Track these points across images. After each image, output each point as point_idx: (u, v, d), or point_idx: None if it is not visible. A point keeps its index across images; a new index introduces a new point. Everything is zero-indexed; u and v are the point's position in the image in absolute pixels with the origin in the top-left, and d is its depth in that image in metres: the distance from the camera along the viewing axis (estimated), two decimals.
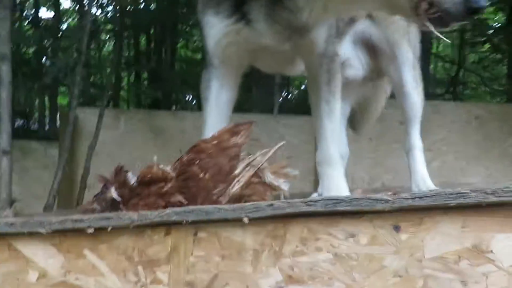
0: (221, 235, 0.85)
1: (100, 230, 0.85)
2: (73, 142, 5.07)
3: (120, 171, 1.03)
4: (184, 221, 0.83)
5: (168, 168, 1.03)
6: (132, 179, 1.04)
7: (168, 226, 0.85)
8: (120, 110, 5.79)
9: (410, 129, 1.83)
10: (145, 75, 7.04)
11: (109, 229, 0.84)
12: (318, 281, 0.82)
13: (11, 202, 1.67)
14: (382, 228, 0.82)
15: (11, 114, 1.70)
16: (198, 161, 1.02)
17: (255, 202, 0.83)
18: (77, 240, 0.87)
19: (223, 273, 0.84)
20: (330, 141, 1.41)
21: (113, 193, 0.98)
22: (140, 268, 0.85)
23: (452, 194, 0.78)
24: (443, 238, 0.80)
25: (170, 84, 6.13)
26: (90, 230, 0.84)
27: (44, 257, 0.87)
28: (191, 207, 0.83)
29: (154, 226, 0.85)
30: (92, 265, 0.86)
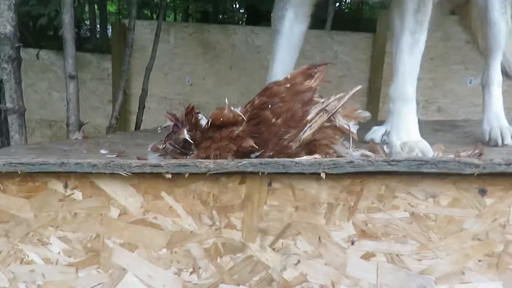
0: (295, 187, 0.84)
1: (176, 175, 0.87)
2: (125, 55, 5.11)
3: (191, 112, 1.02)
4: (260, 173, 0.82)
5: (239, 111, 1.01)
6: (202, 120, 1.03)
7: (243, 175, 0.85)
8: (170, 23, 5.70)
9: (490, 60, 1.69)
10: None
11: (186, 175, 0.85)
12: (392, 237, 0.81)
13: (80, 125, 1.74)
14: (466, 191, 0.78)
15: (75, 38, 1.69)
16: (270, 105, 0.99)
17: (333, 159, 0.80)
18: (155, 183, 0.89)
19: (296, 223, 0.85)
20: (409, 77, 1.28)
21: (186, 135, 0.98)
22: (214, 212, 0.88)
23: None
24: None
25: None
26: (168, 176, 0.86)
27: (124, 196, 0.91)
28: (267, 160, 0.82)
29: (229, 174, 0.86)
30: (169, 207, 0.89)
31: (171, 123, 1.04)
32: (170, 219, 0.89)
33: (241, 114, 1.00)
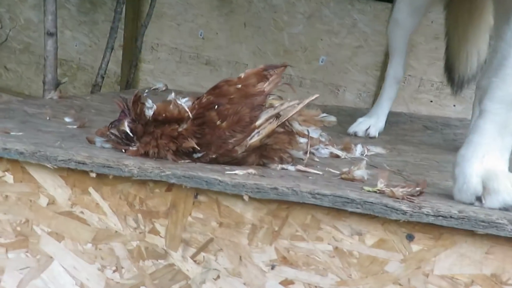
0: (221, 202, 0.81)
1: (103, 175, 0.84)
2: (139, 1, 4.98)
3: (137, 101, 0.98)
4: (183, 186, 0.79)
5: (186, 107, 0.96)
6: (150, 110, 0.99)
7: (169, 183, 0.82)
8: None
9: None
10: None
11: (110, 177, 0.82)
12: (312, 268, 0.78)
13: (57, 85, 1.71)
14: (394, 233, 0.73)
15: None
16: (217, 106, 0.93)
17: (257, 183, 0.76)
18: (83, 178, 0.86)
19: (219, 239, 0.82)
20: None
21: (126, 126, 0.94)
22: (140, 216, 0.85)
23: (483, 222, 0.66)
24: (460, 259, 0.71)
25: None
26: (93, 175, 0.83)
27: (53, 185, 0.88)
28: (191, 174, 0.78)
29: (157, 180, 0.82)
30: (96, 203, 0.87)
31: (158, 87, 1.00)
32: (96, 216, 0.87)
33: (187, 110, 0.95)
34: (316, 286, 0.78)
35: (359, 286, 0.76)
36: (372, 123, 1.77)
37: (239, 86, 0.95)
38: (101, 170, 0.82)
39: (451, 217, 0.68)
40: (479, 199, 0.78)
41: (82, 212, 0.88)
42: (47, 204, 0.90)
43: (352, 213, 0.74)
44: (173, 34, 4.93)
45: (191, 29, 4.86)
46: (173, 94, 0.98)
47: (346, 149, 1.33)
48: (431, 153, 1.50)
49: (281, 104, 0.97)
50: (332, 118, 1.19)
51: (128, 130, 0.94)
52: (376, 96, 4.43)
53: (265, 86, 0.96)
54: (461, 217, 0.67)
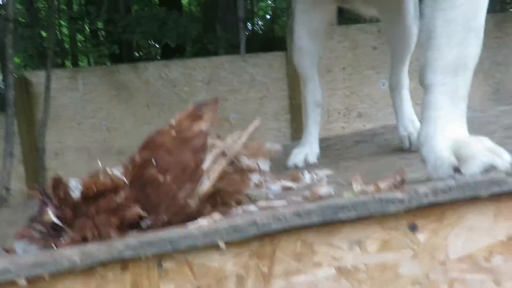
0: (193, 262, 0.67)
1: (36, 279, 0.66)
2: (31, 109, 4.71)
3: (58, 184, 0.82)
4: (143, 256, 0.64)
5: (118, 174, 0.82)
6: (76, 189, 0.83)
7: (123, 261, 0.66)
8: (76, 69, 5.39)
9: (398, 65, 1.65)
10: (100, 25, 6.51)
11: (46, 278, 0.64)
12: None
13: None
14: (395, 229, 0.65)
15: None
16: (155, 161, 0.81)
17: (231, 224, 0.64)
18: None
19: None
20: None
21: (51, 215, 0.78)
22: None
23: (483, 182, 0.61)
24: (470, 233, 0.64)
25: (126, 35, 5.68)
26: (22, 282, 0.64)
27: None
28: (149, 237, 0.64)
29: (105, 262, 0.66)
30: None
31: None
32: None
33: (121, 177, 0.81)
34: None
35: None
36: (308, 151, 1.73)
37: (173, 133, 0.84)
38: (32, 272, 0.64)
39: (450, 189, 0.61)
40: (457, 169, 0.73)
41: None
42: None
43: (344, 223, 0.65)
44: (75, 134, 4.69)
45: (93, 124, 4.67)
46: (99, 163, 0.84)
47: (295, 179, 1.26)
48: (374, 160, 1.49)
49: (224, 141, 0.88)
50: (278, 147, 1.11)
51: (54, 219, 0.78)
52: (293, 137, 4.52)
53: (202, 126, 0.86)
54: (461, 185, 0.61)
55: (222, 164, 0.84)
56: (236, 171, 0.91)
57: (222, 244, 0.63)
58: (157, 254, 0.65)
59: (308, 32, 1.69)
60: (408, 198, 0.61)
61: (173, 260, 0.67)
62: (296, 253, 0.66)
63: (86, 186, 0.80)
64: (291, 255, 0.66)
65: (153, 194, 0.80)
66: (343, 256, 0.65)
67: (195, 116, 0.87)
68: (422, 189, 0.62)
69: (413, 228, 0.64)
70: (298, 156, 1.70)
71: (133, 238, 0.65)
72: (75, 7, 6.46)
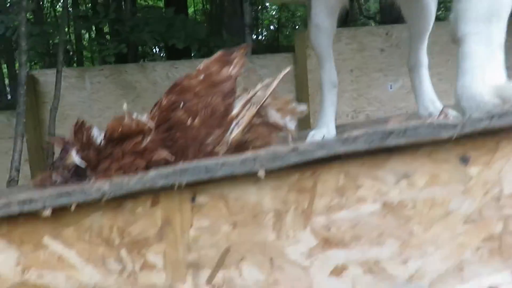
0: (228, 196, 0.62)
1: (61, 210, 0.62)
2: (38, 108, 4.70)
3: (80, 128, 0.78)
4: (177, 185, 0.60)
5: (144, 118, 0.79)
6: (98, 136, 0.80)
7: (154, 193, 0.62)
8: (83, 69, 5.38)
9: (417, 43, 1.62)
10: (106, 28, 6.54)
11: (73, 207, 0.60)
12: (364, 240, 0.61)
13: None
14: (445, 162, 0.61)
15: None
16: (182, 103, 0.78)
17: (272, 148, 0.60)
18: (32, 226, 0.63)
19: (237, 245, 0.62)
20: None
21: (75, 157, 0.74)
22: (123, 252, 0.63)
23: None
24: None
25: (134, 35, 5.69)
26: (47, 213, 0.60)
27: None
28: (183, 165, 0.60)
29: (136, 195, 0.62)
30: (58, 257, 0.63)
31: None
32: (62, 274, 0.63)
33: (146, 121, 0.78)
34: (375, 262, 0.61)
35: (426, 242, 0.61)
36: (325, 132, 1.69)
37: (202, 77, 0.81)
38: (57, 202, 0.60)
39: (507, 113, 0.57)
40: None
41: (40, 277, 0.63)
42: None
43: (391, 153, 0.60)
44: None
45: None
46: (125, 105, 0.80)
47: None
48: None
49: (253, 89, 0.84)
50: (303, 108, 1.07)
51: (78, 162, 0.74)
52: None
53: (231, 70, 0.82)
54: None
55: (252, 112, 0.81)
56: (263, 124, 0.87)
57: (261, 173, 0.59)
58: (191, 185, 0.61)
59: (325, 9, 1.66)
60: (461, 124, 0.57)
61: (207, 194, 0.63)
62: (338, 187, 0.62)
63: (111, 128, 0.76)
64: (333, 189, 0.62)
65: (181, 137, 0.76)
66: (389, 190, 0.61)
67: (224, 61, 0.84)
68: (475, 115, 0.58)
69: (464, 160, 0.60)
70: (315, 138, 1.66)
71: (166, 167, 0.61)
72: (81, 7, 6.47)
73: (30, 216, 0.62)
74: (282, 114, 0.97)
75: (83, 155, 0.74)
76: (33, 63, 6.17)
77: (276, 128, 0.91)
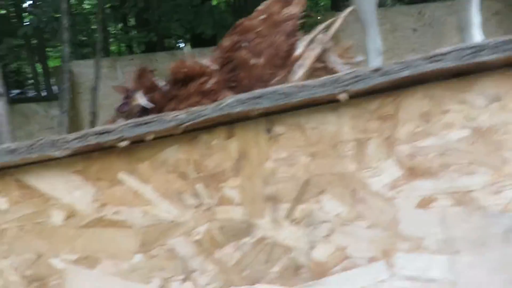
0: (306, 126, 0.60)
1: (136, 144, 0.61)
2: (74, 99, 4.80)
3: (144, 74, 0.77)
4: (255, 112, 0.58)
5: (205, 61, 0.77)
6: (160, 82, 0.79)
7: (230, 125, 0.61)
8: (114, 58, 5.44)
9: (468, 3, 1.55)
10: (132, 20, 6.60)
11: (150, 138, 0.59)
12: (453, 170, 0.58)
13: None
14: None
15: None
16: (246, 43, 0.75)
17: (354, 70, 0.57)
18: (108, 162, 0.62)
19: (317, 177, 0.60)
20: None
21: (141, 98, 0.73)
22: (199, 186, 0.62)
23: None
24: None
25: (162, 24, 5.72)
26: (124, 143, 0.59)
27: (67, 190, 0.63)
28: (261, 91, 0.58)
29: (211, 128, 0.60)
30: (134, 192, 0.63)
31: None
32: (138, 210, 0.63)
33: (209, 64, 0.76)
34: (466, 192, 0.58)
35: None
36: None
37: (263, 16, 0.78)
38: (135, 132, 0.59)
39: None
40: None
41: (117, 213, 0.63)
42: (65, 220, 0.64)
43: (480, 74, 0.57)
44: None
45: None
46: (187, 48, 0.79)
47: None
48: None
49: (316, 29, 0.81)
50: (361, 58, 1.04)
51: (144, 103, 0.73)
52: None
53: (292, 9, 0.80)
54: None
55: (316, 52, 0.78)
56: (323, 68, 0.84)
57: (343, 96, 0.56)
58: (267, 114, 0.59)
59: None
60: None
61: (284, 124, 0.60)
62: (423, 113, 0.58)
63: (175, 70, 0.75)
64: (418, 115, 0.58)
65: (245, 78, 0.74)
66: (479, 115, 0.57)
67: (284, 1, 0.81)
68: None
69: None
70: None
71: (243, 93, 0.59)
72: None
73: (105, 152, 0.62)
74: (342, 59, 0.94)
75: (150, 96, 0.73)
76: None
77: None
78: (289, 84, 0.57)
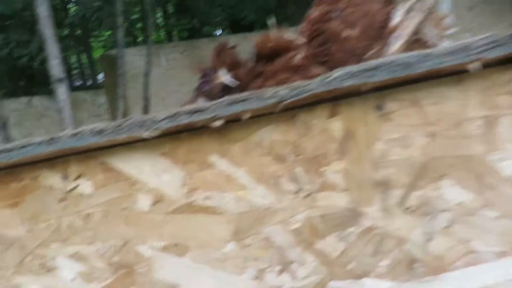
0: (423, 101, 0.53)
1: (229, 124, 0.55)
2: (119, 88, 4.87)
3: (223, 50, 0.72)
4: (367, 87, 0.51)
5: (292, 35, 0.71)
6: (243, 58, 0.73)
7: (333, 102, 0.54)
8: (158, 46, 5.48)
9: None
10: (171, 8, 6.62)
11: (247, 116, 0.54)
12: None
13: None
14: None
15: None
16: (336, 13, 0.68)
17: (489, 35, 0.48)
18: (198, 143, 0.58)
19: (436, 160, 0.53)
20: None
21: (224, 76, 0.68)
22: (299, 170, 0.56)
23: None
24: None
25: (205, 9, 5.70)
26: (218, 123, 0.54)
27: (155, 173, 0.59)
28: (375, 62, 0.51)
29: (312, 106, 0.54)
30: (226, 176, 0.57)
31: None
32: (230, 195, 0.58)
33: (296, 37, 0.69)
34: None
35: None
36: None
37: None
38: (231, 110, 0.53)
39: None
40: None
41: (207, 198, 0.58)
42: (152, 205, 0.59)
43: None
44: (159, 110, 4.78)
45: (177, 99, 4.72)
46: (271, 20, 0.72)
47: None
48: None
49: None
50: (454, 30, 0.94)
51: (228, 81, 0.67)
52: None
53: None
54: None
55: (415, 21, 0.69)
56: (420, 41, 0.76)
57: (475, 65, 0.48)
58: (376, 90, 0.52)
59: None
60: None
61: (396, 101, 0.53)
62: None
63: (259, 45, 0.69)
64: None
65: (337, 51, 0.67)
66: None
67: None
68: None
69: None
70: None
71: (351, 66, 0.52)
72: None
73: (195, 133, 0.57)
74: (438, 29, 0.85)
75: (233, 73, 0.68)
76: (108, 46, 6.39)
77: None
78: (409, 54, 0.50)
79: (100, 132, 0.56)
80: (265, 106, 0.52)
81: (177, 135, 0.57)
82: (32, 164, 0.61)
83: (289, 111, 0.55)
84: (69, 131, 0.57)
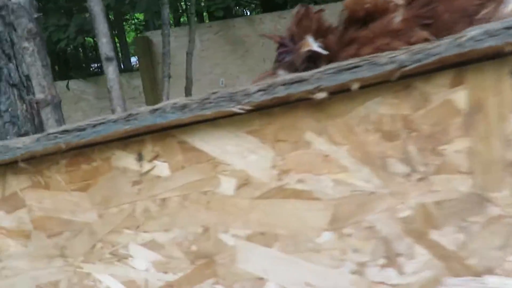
0: None
1: (328, 98, 0.48)
2: (154, 69, 4.86)
3: (306, 15, 0.64)
4: (511, 48, 0.42)
5: None
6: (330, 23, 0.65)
7: (457, 68, 0.45)
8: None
9: None
10: None
11: (356, 87, 0.46)
12: None
13: None
14: None
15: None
16: None
17: None
18: (291, 119, 0.50)
19: None
20: None
21: (313, 44, 0.60)
22: (412, 149, 0.48)
23: None
24: None
25: None
26: (322, 95, 0.46)
27: (240, 153, 0.52)
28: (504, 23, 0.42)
29: (426, 73, 0.46)
30: (324, 156, 0.50)
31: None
32: (328, 178, 0.50)
33: None
34: None
35: None
36: None
37: None
38: (337, 80, 0.45)
39: None
40: None
41: (301, 181, 0.51)
42: (237, 189, 0.53)
43: None
44: (194, 91, 4.75)
45: (211, 80, 4.66)
46: None
47: None
48: None
49: None
50: None
51: (317, 48, 0.59)
52: None
53: None
54: None
55: None
56: None
57: None
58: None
59: None
60: None
61: None
62: None
63: (353, 7, 0.60)
64: None
65: (445, 11, 0.58)
66: None
67: None
68: None
69: None
70: None
71: (491, 23, 0.43)
72: None
73: (288, 107, 0.50)
74: None
75: (321, 41, 0.60)
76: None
77: None
78: None
79: (182, 107, 0.50)
80: (379, 74, 0.44)
81: (269, 110, 0.50)
82: (104, 144, 0.55)
83: (403, 80, 0.47)
84: (147, 107, 0.51)
